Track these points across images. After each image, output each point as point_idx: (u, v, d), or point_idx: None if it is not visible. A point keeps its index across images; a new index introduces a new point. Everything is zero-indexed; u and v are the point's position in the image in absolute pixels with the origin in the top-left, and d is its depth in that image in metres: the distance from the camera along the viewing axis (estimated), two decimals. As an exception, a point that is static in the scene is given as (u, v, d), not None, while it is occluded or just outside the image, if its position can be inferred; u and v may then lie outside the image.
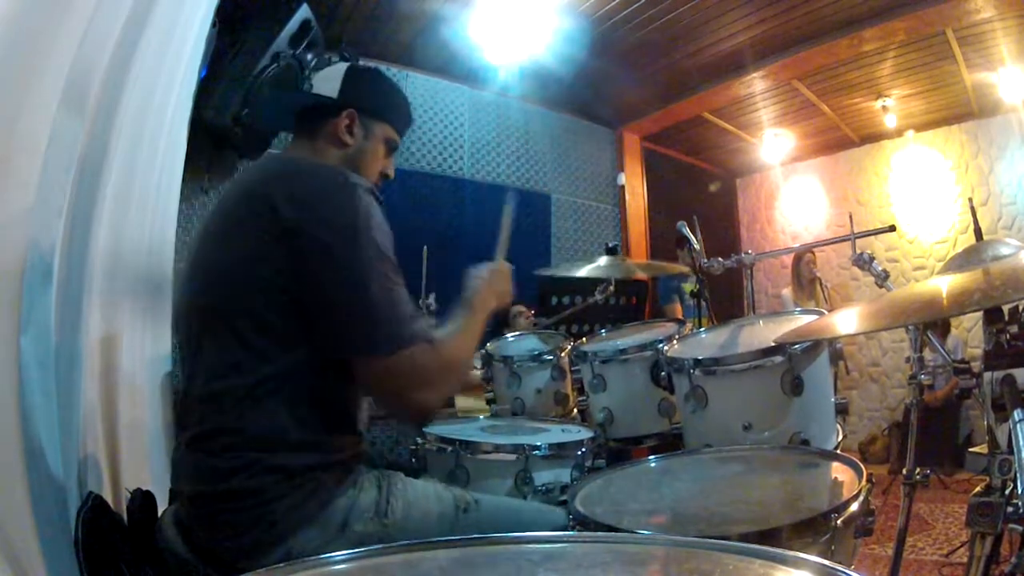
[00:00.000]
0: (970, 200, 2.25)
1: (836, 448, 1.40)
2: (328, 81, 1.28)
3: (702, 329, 1.87)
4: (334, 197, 1.08)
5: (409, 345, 1.03)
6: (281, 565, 0.63)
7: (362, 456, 1.19)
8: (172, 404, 1.80)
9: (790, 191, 6.54)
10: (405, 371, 1.04)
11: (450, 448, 1.47)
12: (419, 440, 1.56)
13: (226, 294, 1.08)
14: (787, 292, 5.21)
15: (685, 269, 3.05)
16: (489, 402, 2.17)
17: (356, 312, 1.03)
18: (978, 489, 1.29)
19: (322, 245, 1.03)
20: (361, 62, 3.85)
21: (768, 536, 0.79)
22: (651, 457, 1.33)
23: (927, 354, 1.84)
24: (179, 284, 1.24)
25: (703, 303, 2.38)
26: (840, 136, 5.87)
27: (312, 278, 1.03)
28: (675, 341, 1.69)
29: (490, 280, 1.36)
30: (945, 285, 1.11)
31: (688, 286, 2.60)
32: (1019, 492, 1.16)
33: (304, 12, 2.98)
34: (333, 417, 1.11)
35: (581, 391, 1.97)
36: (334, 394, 1.10)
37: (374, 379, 1.07)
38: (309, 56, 3.07)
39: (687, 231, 2.23)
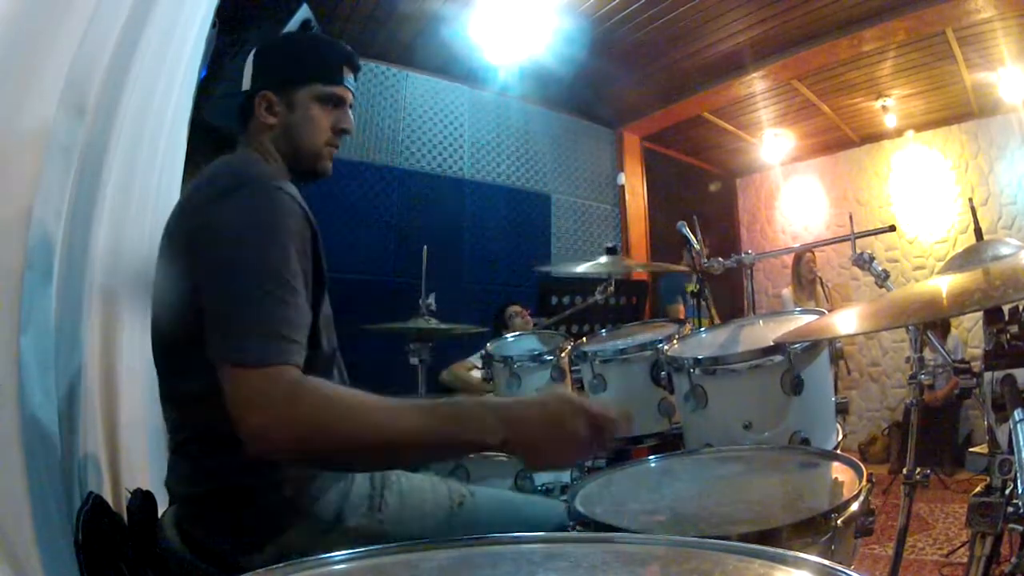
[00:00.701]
0: (970, 200, 2.25)
1: (836, 448, 1.40)
2: (245, 76, 1.25)
3: (702, 329, 1.87)
4: (216, 202, 1.01)
5: (268, 361, 0.87)
6: (280, 565, 0.62)
7: None
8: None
9: (790, 191, 6.55)
10: (255, 387, 0.86)
11: (450, 448, 1.46)
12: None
13: (170, 302, 1.06)
14: (787, 292, 5.21)
15: (684, 268, 3.06)
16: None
17: (220, 313, 0.93)
18: (978, 489, 1.30)
19: (203, 253, 0.99)
20: (360, 61, 3.85)
21: (768, 536, 0.79)
22: (651, 457, 1.33)
23: (927, 354, 1.84)
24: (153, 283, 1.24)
25: (703, 303, 2.38)
26: (840, 136, 5.87)
27: (203, 277, 0.98)
28: (675, 341, 1.69)
29: (563, 413, 0.93)
30: (945, 285, 1.11)
31: (689, 286, 2.60)
32: (1019, 492, 1.16)
33: (304, 12, 2.98)
34: None
35: (581, 391, 1.97)
36: None
37: (225, 388, 0.88)
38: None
39: (687, 231, 2.23)
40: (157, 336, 1.11)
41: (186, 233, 1.04)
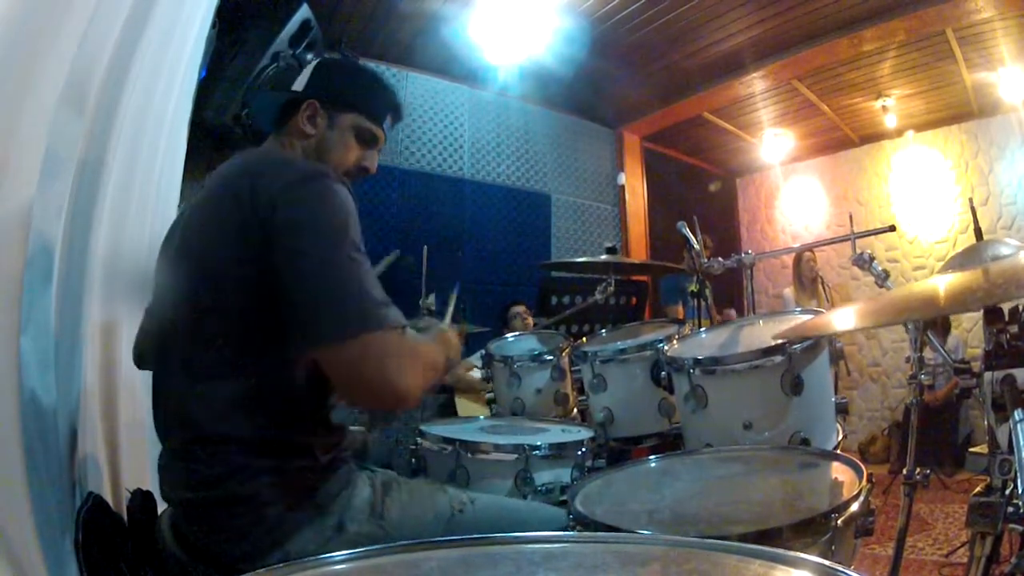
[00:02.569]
0: (970, 200, 2.25)
1: (836, 448, 1.40)
2: (302, 77, 1.28)
3: (702, 329, 1.87)
4: (299, 184, 1.04)
5: (375, 328, 0.97)
6: (280, 565, 0.63)
7: (350, 454, 1.18)
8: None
9: (790, 191, 6.55)
10: (372, 353, 0.97)
11: (450, 448, 1.47)
12: (419, 440, 1.56)
13: (199, 295, 1.06)
14: (789, 292, 5.21)
15: (684, 268, 3.06)
16: (489, 402, 2.17)
17: (323, 297, 0.98)
18: (978, 489, 1.29)
19: (289, 235, 1.00)
20: (361, 61, 3.85)
21: (768, 536, 0.79)
22: (651, 457, 1.33)
23: (927, 354, 1.84)
24: (154, 286, 1.21)
25: (703, 303, 2.38)
26: (840, 136, 5.88)
27: (281, 269, 0.99)
28: (675, 341, 1.69)
29: (446, 333, 1.31)
30: (945, 284, 1.11)
31: (689, 286, 2.60)
32: (1019, 492, 1.15)
33: (304, 12, 2.98)
34: (316, 416, 1.10)
35: (581, 391, 1.97)
36: (314, 392, 1.08)
37: (340, 364, 0.98)
38: (309, 56, 3.08)
39: (687, 231, 2.23)
40: (169, 332, 1.10)
41: (250, 217, 1.02)
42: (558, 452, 1.47)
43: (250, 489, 1.02)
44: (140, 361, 1.30)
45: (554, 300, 3.35)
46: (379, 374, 0.97)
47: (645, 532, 0.86)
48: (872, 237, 3.86)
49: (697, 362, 1.44)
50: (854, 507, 0.86)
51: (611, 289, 2.34)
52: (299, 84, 1.27)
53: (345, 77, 1.32)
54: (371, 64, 4.21)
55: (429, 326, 1.32)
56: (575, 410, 2.07)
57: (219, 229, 1.06)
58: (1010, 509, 1.19)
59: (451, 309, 1.63)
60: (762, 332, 1.60)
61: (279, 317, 1.00)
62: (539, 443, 1.47)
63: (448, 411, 3.81)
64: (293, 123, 1.25)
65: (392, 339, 0.99)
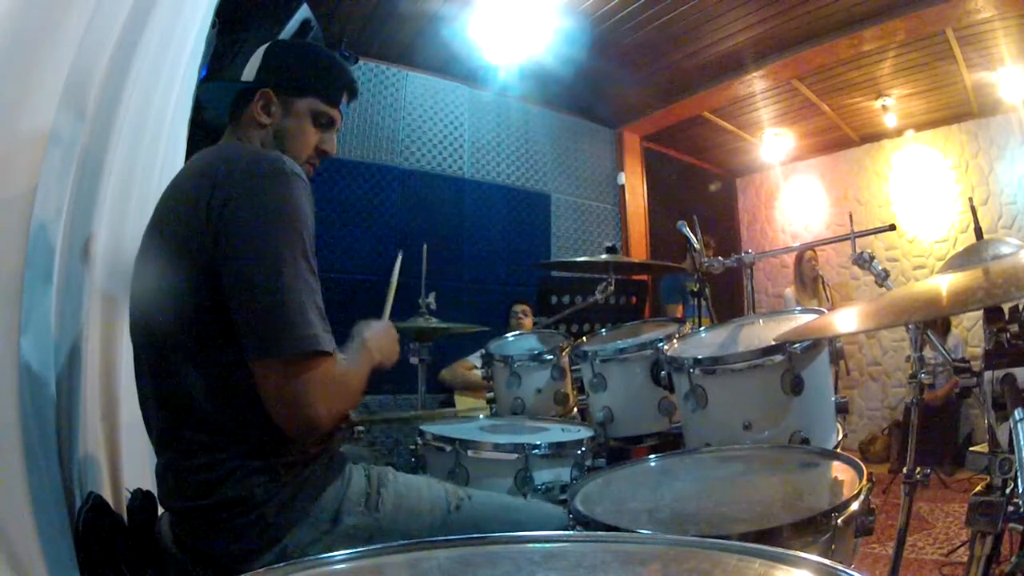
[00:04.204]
0: (970, 199, 2.25)
1: (836, 447, 1.40)
2: (251, 66, 1.25)
3: (702, 328, 1.87)
4: (251, 185, 1.02)
5: (312, 353, 0.97)
6: (280, 565, 0.62)
7: (341, 445, 1.18)
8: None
9: (790, 191, 6.55)
10: (304, 379, 0.96)
11: (450, 447, 1.47)
12: (419, 440, 1.56)
13: (163, 299, 1.05)
14: (790, 291, 5.22)
15: (684, 267, 3.06)
16: (489, 402, 2.17)
17: (262, 312, 0.97)
18: (978, 488, 1.29)
19: (237, 239, 0.99)
20: (361, 62, 3.84)
21: (768, 536, 0.79)
22: (651, 456, 1.33)
23: (927, 353, 1.84)
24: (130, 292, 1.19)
25: (703, 302, 2.38)
26: (840, 136, 5.87)
27: (227, 273, 0.99)
28: (675, 340, 1.69)
29: (379, 335, 1.28)
30: (945, 284, 1.11)
31: (689, 285, 2.60)
32: (1019, 491, 1.15)
33: (304, 12, 2.98)
34: None
35: (581, 390, 1.97)
36: None
37: (270, 382, 0.97)
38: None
39: (687, 230, 2.23)
40: (152, 335, 1.09)
41: (206, 214, 1.01)
42: (558, 451, 1.47)
43: (244, 490, 1.01)
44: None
45: (554, 299, 3.36)
46: (300, 399, 0.97)
47: (645, 532, 0.86)
48: (872, 236, 3.87)
49: (697, 361, 1.44)
50: (854, 506, 0.85)
51: (611, 288, 2.34)
52: (249, 73, 1.24)
53: (296, 61, 1.28)
54: (370, 64, 4.21)
55: (356, 334, 1.27)
56: (575, 409, 2.07)
57: (182, 231, 1.04)
58: (1010, 508, 1.19)
59: (391, 291, 1.63)
60: (762, 332, 1.60)
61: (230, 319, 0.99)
62: (539, 442, 1.47)
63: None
64: (247, 114, 1.22)
65: (320, 366, 0.98)
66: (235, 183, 1.02)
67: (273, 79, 1.23)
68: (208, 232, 1.00)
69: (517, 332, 2.55)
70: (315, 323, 0.98)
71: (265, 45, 1.27)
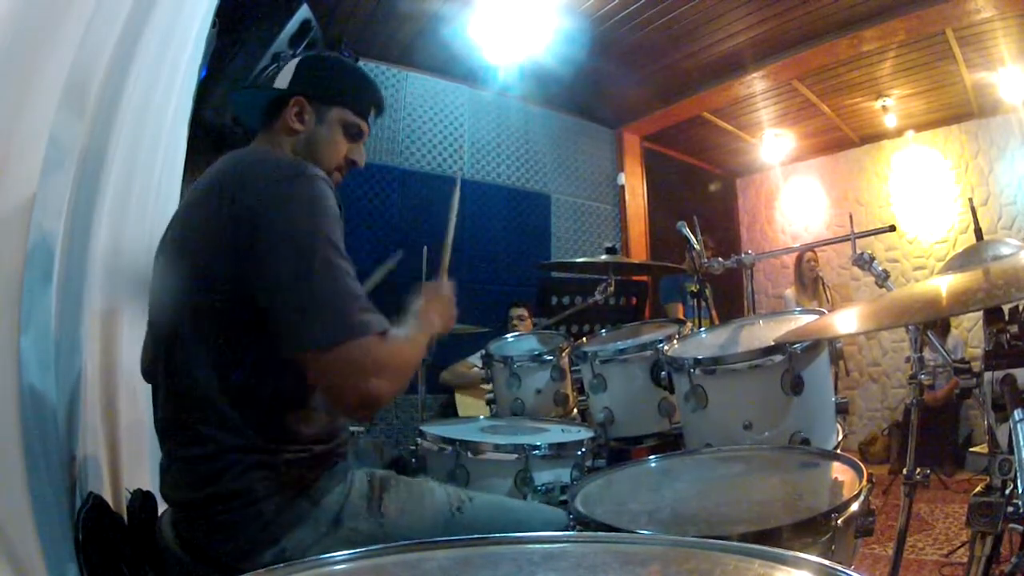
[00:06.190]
0: (970, 200, 2.25)
1: (836, 448, 1.40)
2: (285, 75, 1.28)
3: (702, 329, 1.87)
4: (283, 184, 1.04)
5: (358, 335, 0.98)
6: (280, 566, 0.62)
7: (346, 448, 1.18)
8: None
9: (790, 191, 6.55)
10: (353, 360, 0.98)
11: (450, 448, 1.47)
12: (419, 440, 1.57)
13: (191, 295, 1.06)
14: (790, 292, 5.22)
15: (683, 268, 3.05)
16: (489, 403, 2.17)
17: (303, 302, 0.98)
18: (978, 489, 1.29)
19: (272, 238, 1.00)
20: (361, 62, 3.84)
21: (768, 536, 0.79)
22: (651, 457, 1.33)
23: (927, 354, 1.84)
24: (150, 289, 1.20)
25: (703, 303, 2.38)
26: (840, 136, 5.88)
27: (262, 269, 1.00)
28: (675, 341, 1.69)
29: (432, 303, 1.29)
30: (945, 285, 1.11)
31: (689, 286, 2.60)
32: (1019, 492, 1.15)
33: (304, 12, 2.98)
34: (305, 410, 1.10)
35: (581, 391, 1.97)
36: (304, 385, 1.08)
37: (320, 370, 1.01)
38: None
39: (687, 231, 2.23)
40: (164, 333, 1.10)
41: (235, 215, 1.02)
42: (558, 452, 1.47)
43: (243, 484, 1.02)
44: (148, 376, 1.28)
45: (554, 300, 3.35)
46: (360, 382, 0.99)
47: (645, 532, 0.86)
48: (872, 237, 3.86)
49: (697, 362, 1.44)
50: (854, 507, 0.86)
51: (611, 289, 2.34)
52: (283, 81, 1.27)
53: (329, 72, 1.32)
54: (370, 64, 4.21)
55: (412, 303, 1.29)
56: (575, 410, 2.07)
57: (207, 230, 1.06)
58: (1010, 509, 1.19)
59: (449, 239, 1.68)
60: (762, 332, 1.60)
61: (260, 316, 1.00)
62: (539, 443, 1.47)
63: (449, 411, 3.81)
64: (281, 121, 1.25)
65: (373, 346, 1.00)
66: (266, 185, 1.05)
67: (307, 88, 1.26)
68: (238, 234, 1.01)
69: (517, 333, 2.55)
70: (355, 308, 1.00)
71: (299, 56, 1.32)
